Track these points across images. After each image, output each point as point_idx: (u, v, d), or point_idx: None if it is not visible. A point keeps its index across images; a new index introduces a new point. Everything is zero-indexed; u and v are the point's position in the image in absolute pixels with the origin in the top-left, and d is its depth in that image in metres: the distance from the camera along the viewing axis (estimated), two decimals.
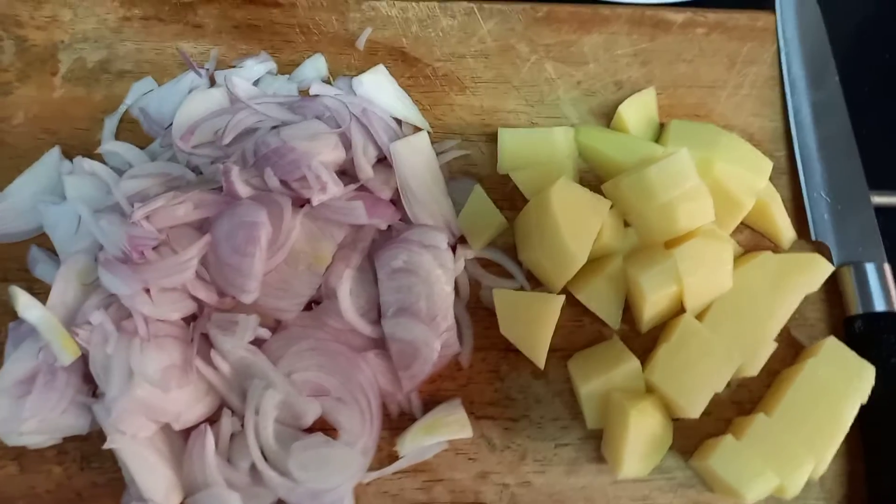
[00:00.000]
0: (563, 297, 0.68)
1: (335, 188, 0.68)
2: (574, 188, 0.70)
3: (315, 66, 0.80)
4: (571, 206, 0.68)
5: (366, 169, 0.71)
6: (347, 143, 0.72)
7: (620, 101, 0.80)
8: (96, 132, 0.77)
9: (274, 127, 0.72)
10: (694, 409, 0.65)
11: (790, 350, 0.73)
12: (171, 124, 0.73)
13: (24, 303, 0.61)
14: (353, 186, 0.70)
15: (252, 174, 0.68)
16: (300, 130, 0.70)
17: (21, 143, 0.76)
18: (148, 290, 0.64)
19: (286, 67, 0.81)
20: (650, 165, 0.69)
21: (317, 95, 0.74)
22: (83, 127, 0.77)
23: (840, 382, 0.67)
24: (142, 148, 0.75)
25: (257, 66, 0.77)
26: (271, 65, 0.79)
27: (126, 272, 0.62)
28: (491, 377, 0.71)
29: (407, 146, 0.73)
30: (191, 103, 0.72)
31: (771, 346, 0.70)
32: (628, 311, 0.73)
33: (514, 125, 0.80)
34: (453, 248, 0.72)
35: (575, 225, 0.68)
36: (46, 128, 0.77)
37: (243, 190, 0.67)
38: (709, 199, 0.69)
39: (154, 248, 0.65)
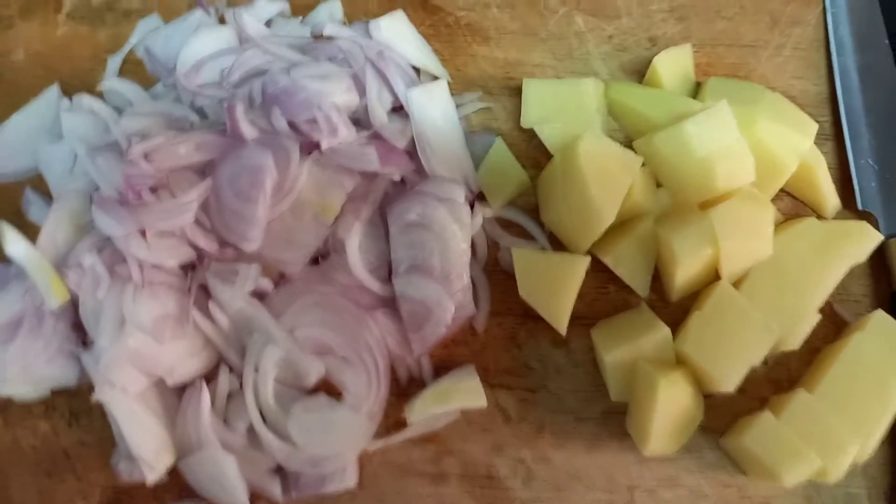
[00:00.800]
0: (587, 259, 0.63)
1: (346, 131, 0.63)
2: (603, 142, 0.65)
3: (330, 10, 0.76)
4: (600, 162, 0.63)
5: (380, 115, 0.66)
6: (361, 89, 0.67)
7: (653, 58, 0.75)
8: (99, 72, 0.73)
9: (284, 69, 0.68)
10: (728, 382, 0.60)
11: (832, 326, 0.68)
12: (175, 61, 0.69)
13: (11, 239, 0.57)
14: (365, 133, 0.65)
15: (259, 114, 0.63)
16: (311, 70, 0.65)
17: (20, 79, 0.72)
18: (144, 234, 0.59)
19: (300, 10, 0.76)
20: (686, 121, 0.63)
21: (331, 37, 0.70)
22: (86, 66, 0.73)
23: (888, 359, 0.62)
24: (146, 89, 0.71)
25: (269, 6, 0.73)
26: (284, 4, 0.74)
27: (121, 213, 0.58)
28: (508, 344, 0.66)
29: (425, 94, 0.68)
30: (197, 40, 0.68)
31: (814, 319, 0.64)
32: (658, 279, 0.68)
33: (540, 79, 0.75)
34: (471, 205, 0.67)
35: (603, 181, 0.63)
36: (47, 65, 0.73)
37: (249, 131, 0.62)
38: (749, 158, 0.63)
39: (152, 191, 0.61)
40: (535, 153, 0.72)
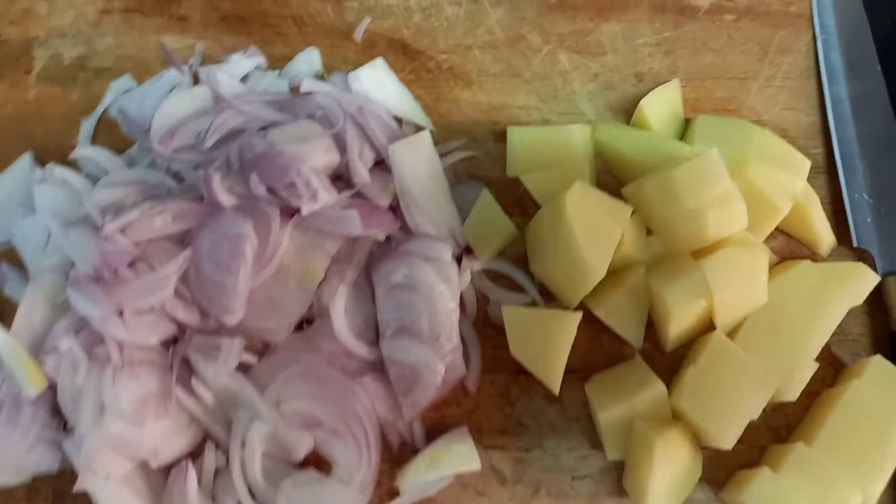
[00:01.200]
0: (579, 315, 0.61)
1: (327, 196, 0.61)
2: (592, 193, 0.63)
3: (308, 61, 0.74)
4: (589, 213, 0.62)
5: (362, 173, 0.64)
6: (342, 145, 0.66)
7: (642, 95, 0.74)
8: (73, 135, 0.71)
9: (262, 128, 0.66)
10: (726, 438, 0.59)
11: (830, 369, 0.66)
12: (150, 123, 0.68)
13: None
14: (347, 193, 0.63)
15: (236, 181, 0.62)
16: (289, 132, 0.64)
17: None
18: (122, 313, 0.58)
19: (278, 62, 0.75)
20: (676, 167, 0.62)
21: (308, 93, 0.68)
22: (59, 129, 0.72)
23: (888, 406, 0.60)
24: (121, 152, 0.69)
25: (244, 62, 0.71)
26: (260, 59, 0.72)
27: (97, 292, 0.57)
28: (501, 402, 0.65)
29: (407, 148, 0.66)
30: (171, 103, 0.66)
31: (811, 367, 0.63)
32: (651, 326, 0.66)
33: (525, 122, 0.74)
34: (458, 259, 0.66)
35: (593, 234, 0.61)
36: (20, 130, 0.71)
37: (226, 199, 0.61)
38: (742, 205, 0.62)
39: (129, 265, 0.59)
40: (522, 200, 0.70)
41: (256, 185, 0.61)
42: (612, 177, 0.71)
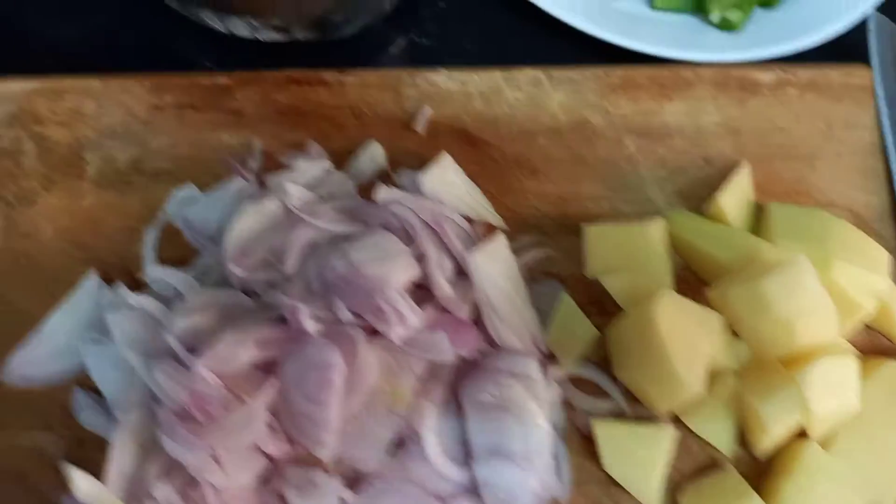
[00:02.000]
0: (675, 432, 0.61)
1: (415, 318, 0.60)
2: (680, 303, 0.62)
3: (372, 157, 0.72)
4: (678, 325, 0.61)
5: (444, 288, 0.63)
6: (419, 255, 0.64)
7: (710, 179, 0.73)
8: (133, 243, 0.68)
9: (336, 238, 0.64)
10: None
11: None
12: (217, 233, 0.66)
13: (79, 482, 0.54)
14: (431, 311, 0.62)
15: (319, 305, 0.60)
16: (369, 250, 0.62)
17: (52, 261, 0.68)
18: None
19: (339, 156, 0.72)
20: (765, 275, 0.61)
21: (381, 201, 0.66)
22: (118, 238, 0.69)
23: None
24: (184, 258, 0.67)
25: (311, 169, 0.68)
26: (325, 163, 0.70)
27: (190, 437, 0.55)
28: None
29: (486, 256, 0.65)
30: (243, 220, 0.63)
31: None
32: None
33: (595, 213, 0.72)
34: (542, 365, 0.65)
35: (683, 347, 0.60)
36: (78, 241, 0.69)
37: (311, 326, 0.59)
38: (833, 312, 0.61)
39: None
40: (600, 297, 0.69)
41: (342, 311, 0.59)
42: (688, 270, 0.70)
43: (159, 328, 0.60)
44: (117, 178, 0.70)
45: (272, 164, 0.72)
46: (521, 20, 0.85)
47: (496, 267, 0.65)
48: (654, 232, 0.68)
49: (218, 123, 0.73)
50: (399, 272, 0.61)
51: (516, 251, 0.69)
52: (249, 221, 0.64)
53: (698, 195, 0.73)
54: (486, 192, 0.72)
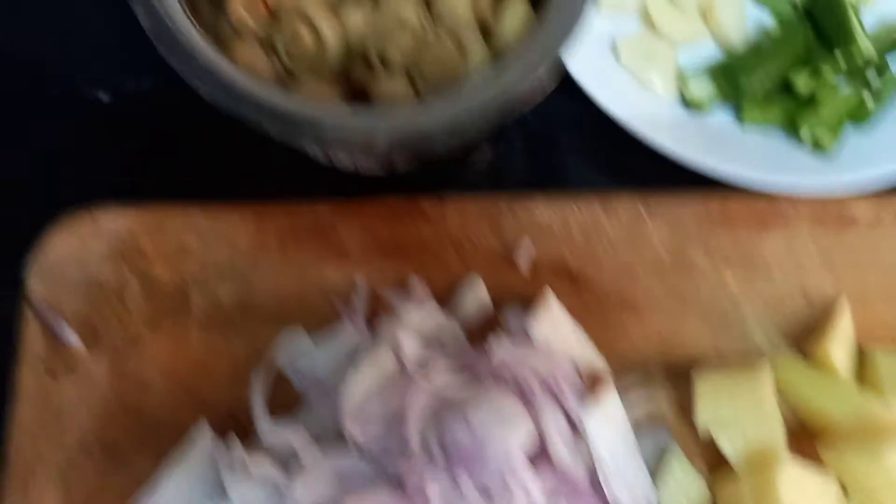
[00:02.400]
0: None
1: (536, 491, 0.60)
2: (802, 475, 0.62)
3: (475, 295, 0.72)
4: (799, 496, 0.61)
5: (563, 454, 0.63)
6: (533, 413, 0.64)
7: (811, 319, 0.73)
8: (239, 387, 0.68)
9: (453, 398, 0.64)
10: None
11: None
12: (329, 384, 0.66)
13: None
14: (549, 478, 0.62)
15: (442, 476, 0.60)
16: (489, 413, 0.62)
17: (160, 408, 0.68)
18: None
19: (440, 291, 0.72)
20: (885, 442, 0.61)
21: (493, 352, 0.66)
22: (225, 383, 0.69)
23: None
24: (289, 404, 0.67)
25: (419, 314, 0.68)
26: (432, 305, 0.70)
27: None
28: None
29: (601, 414, 0.65)
30: (359, 378, 0.63)
31: None
32: None
33: (697, 355, 0.72)
34: None
35: None
36: (184, 386, 0.69)
37: (437, 500, 0.59)
38: None
39: None
40: (709, 449, 0.68)
41: (466, 485, 0.59)
42: (795, 417, 0.70)
43: (281, 497, 0.60)
44: (224, 321, 0.70)
45: (375, 300, 0.72)
46: (609, 138, 0.84)
47: (610, 426, 0.65)
48: (764, 379, 0.68)
49: (321, 259, 0.73)
50: (519, 437, 0.61)
51: (622, 395, 0.69)
52: (366, 380, 0.64)
53: (799, 334, 0.73)
54: (588, 331, 0.72)
